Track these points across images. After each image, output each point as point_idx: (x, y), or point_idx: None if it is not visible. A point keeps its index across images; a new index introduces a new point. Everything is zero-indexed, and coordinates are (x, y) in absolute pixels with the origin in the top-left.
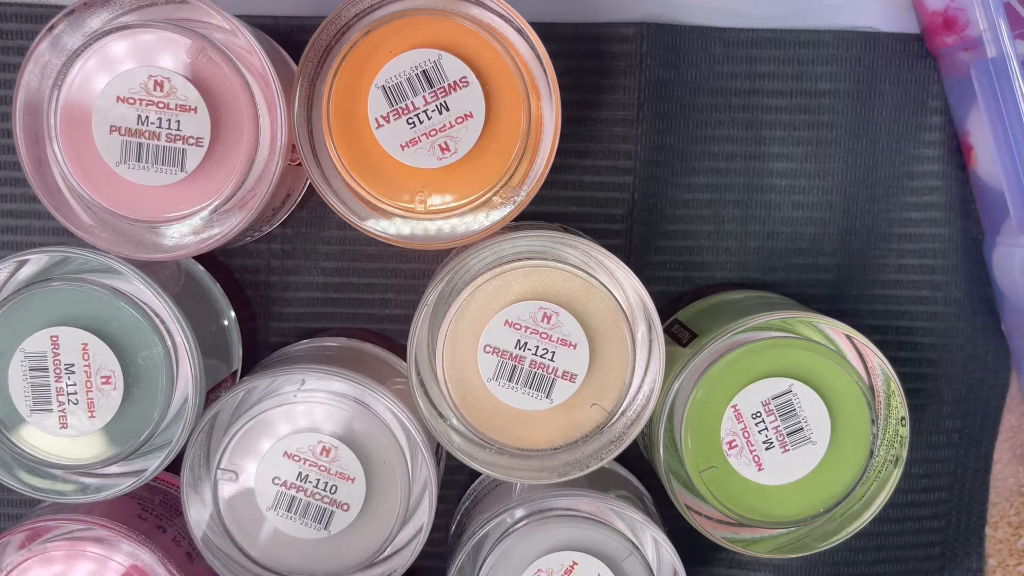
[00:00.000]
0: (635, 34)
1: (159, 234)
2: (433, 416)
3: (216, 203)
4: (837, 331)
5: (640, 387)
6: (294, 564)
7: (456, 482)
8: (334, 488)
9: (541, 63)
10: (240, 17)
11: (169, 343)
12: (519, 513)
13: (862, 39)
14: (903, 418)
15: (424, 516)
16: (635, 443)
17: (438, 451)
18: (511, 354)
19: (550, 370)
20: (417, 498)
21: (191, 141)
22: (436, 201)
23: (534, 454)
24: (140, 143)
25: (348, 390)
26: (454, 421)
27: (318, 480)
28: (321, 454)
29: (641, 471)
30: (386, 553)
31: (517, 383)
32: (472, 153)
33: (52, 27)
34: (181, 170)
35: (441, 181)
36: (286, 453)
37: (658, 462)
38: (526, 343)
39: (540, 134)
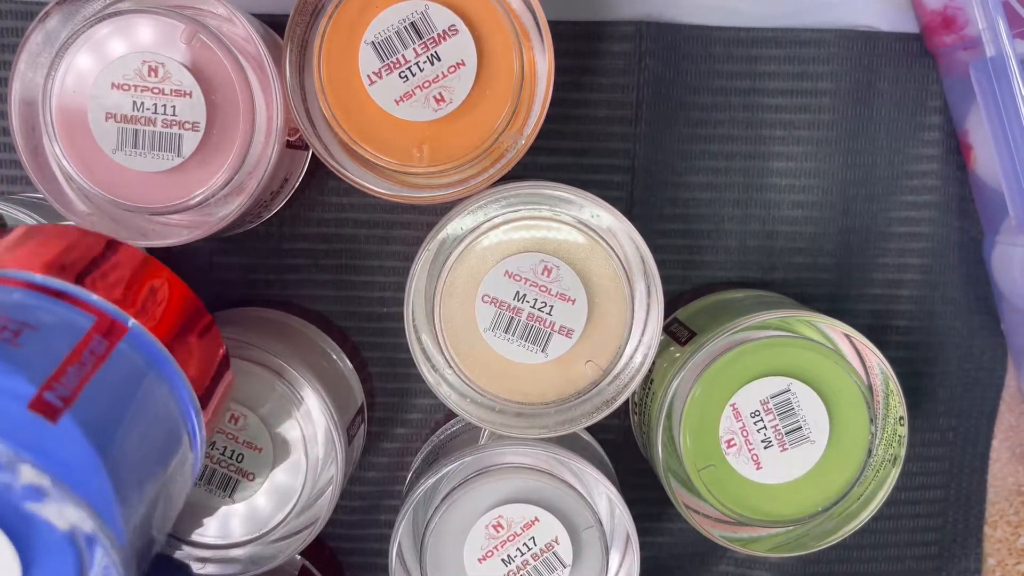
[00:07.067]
0: (634, 33)
1: (157, 221)
2: (426, 366)
3: (214, 187)
4: (836, 330)
5: (636, 347)
6: (204, 527)
7: (421, 435)
8: (240, 457)
9: (533, 14)
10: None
11: None
12: (473, 464)
13: (861, 38)
14: (901, 417)
15: (324, 505)
16: (634, 440)
17: (351, 428)
18: (509, 305)
19: (547, 324)
20: (326, 482)
21: (187, 126)
22: (436, 154)
23: (525, 408)
24: (136, 129)
25: (260, 358)
26: (447, 371)
27: (225, 448)
28: (229, 421)
29: (639, 469)
30: (278, 535)
31: (513, 335)
32: (467, 103)
33: (45, 16)
34: (178, 155)
35: (439, 134)
36: None
37: (656, 461)
38: (525, 295)
39: (535, 81)
